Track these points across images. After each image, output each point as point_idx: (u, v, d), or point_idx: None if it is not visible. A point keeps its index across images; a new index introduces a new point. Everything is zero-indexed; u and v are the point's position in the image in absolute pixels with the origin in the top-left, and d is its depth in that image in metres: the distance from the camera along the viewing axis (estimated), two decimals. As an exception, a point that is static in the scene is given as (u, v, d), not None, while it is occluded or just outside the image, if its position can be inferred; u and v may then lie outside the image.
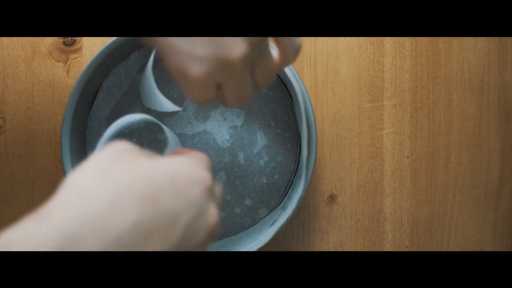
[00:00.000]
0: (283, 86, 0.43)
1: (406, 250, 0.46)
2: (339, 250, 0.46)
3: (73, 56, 0.44)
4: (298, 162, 0.43)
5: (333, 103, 0.45)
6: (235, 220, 0.43)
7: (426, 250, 0.46)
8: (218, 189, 0.30)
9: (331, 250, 0.46)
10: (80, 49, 0.44)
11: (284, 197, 0.43)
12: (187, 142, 0.43)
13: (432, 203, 0.46)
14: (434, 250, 0.46)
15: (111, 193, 0.23)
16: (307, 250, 0.46)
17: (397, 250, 0.46)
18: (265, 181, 0.43)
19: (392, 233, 0.46)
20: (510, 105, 0.46)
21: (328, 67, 0.45)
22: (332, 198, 0.46)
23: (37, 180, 0.44)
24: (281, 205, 0.42)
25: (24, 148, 0.44)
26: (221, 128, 0.43)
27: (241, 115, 0.43)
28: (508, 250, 0.46)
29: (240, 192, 0.43)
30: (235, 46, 0.28)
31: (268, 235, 0.38)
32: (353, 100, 0.45)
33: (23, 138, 0.44)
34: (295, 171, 0.43)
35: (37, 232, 0.22)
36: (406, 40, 0.45)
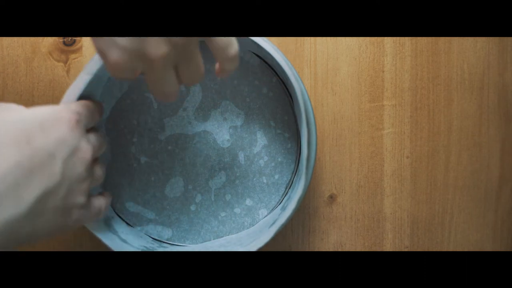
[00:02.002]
0: (283, 86, 0.43)
1: (406, 250, 0.46)
2: (339, 250, 0.46)
3: (73, 56, 0.44)
4: (298, 162, 0.43)
5: (333, 103, 0.45)
6: (235, 220, 0.43)
7: (426, 250, 0.46)
8: (93, 136, 0.33)
9: (331, 250, 0.46)
10: (80, 49, 0.44)
11: (284, 197, 0.43)
12: (188, 142, 0.43)
13: (432, 203, 0.46)
14: (434, 250, 0.46)
15: None
16: (307, 250, 0.46)
17: (397, 250, 0.46)
18: (265, 181, 0.43)
19: (392, 233, 0.46)
20: (510, 105, 0.46)
21: (328, 67, 0.45)
22: (332, 198, 0.46)
23: (37, 180, 0.44)
24: (281, 205, 0.42)
25: (24, 148, 0.44)
26: (221, 128, 0.43)
27: (241, 115, 0.43)
28: (508, 250, 0.46)
29: (240, 192, 0.43)
30: (155, 46, 0.29)
31: (268, 235, 0.38)
32: (353, 100, 0.45)
33: (23, 138, 0.44)
34: (295, 171, 0.43)
35: None
36: (406, 40, 0.45)
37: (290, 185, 0.43)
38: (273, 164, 0.43)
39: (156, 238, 0.43)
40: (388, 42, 0.45)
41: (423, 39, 0.45)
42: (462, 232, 0.46)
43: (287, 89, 0.42)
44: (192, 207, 0.43)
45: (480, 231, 0.46)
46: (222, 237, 0.43)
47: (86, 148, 0.31)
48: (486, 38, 0.45)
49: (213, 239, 0.44)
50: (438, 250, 0.46)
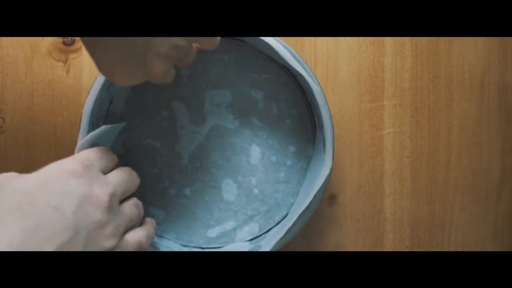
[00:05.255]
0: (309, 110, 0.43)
1: (406, 250, 0.46)
2: (339, 250, 0.46)
3: (72, 56, 0.44)
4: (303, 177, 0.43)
5: (333, 103, 0.45)
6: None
7: (426, 250, 0.46)
8: (115, 175, 0.32)
9: (331, 250, 0.46)
10: (80, 49, 0.44)
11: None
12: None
13: (432, 203, 0.46)
14: (434, 250, 0.46)
15: None
16: (307, 250, 0.46)
17: (397, 250, 0.46)
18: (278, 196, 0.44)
19: (392, 233, 0.46)
20: (510, 105, 0.46)
21: (328, 67, 0.45)
22: (332, 198, 0.46)
23: (37, 180, 0.44)
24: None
25: (24, 148, 0.44)
26: (251, 143, 0.43)
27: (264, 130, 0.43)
28: (509, 250, 0.46)
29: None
30: (156, 65, 0.31)
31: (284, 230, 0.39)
32: (353, 100, 0.45)
33: (23, 138, 0.44)
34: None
35: None
36: (407, 40, 0.45)
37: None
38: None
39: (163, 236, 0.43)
40: (388, 42, 0.45)
41: (424, 39, 0.45)
42: (462, 232, 0.46)
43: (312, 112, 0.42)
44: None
45: (480, 231, 0.46)
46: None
47: (100, 192, 0.29)
48: (486, 38, 0.45)
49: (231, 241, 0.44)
50: (439, 250, 0.46)
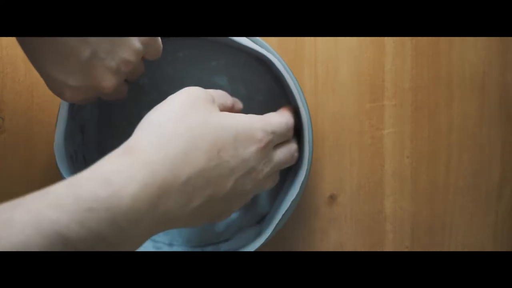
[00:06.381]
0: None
1: (406, 250, 0.46)
2: (339, 250, 0.46)
3: (73, 56, 0.44)
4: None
5: (333, 103, 0.45)
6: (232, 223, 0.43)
7: (426, 250, 0.46)
8: (279, 153, 0.34)
9: (331, 250, 0.46)
10: (80, 49, 0.44)
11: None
12: None
13: (432, 203, 0.46)
14: (435, 250, 0.46)
15: (186, 141, 0.28)
16: (307, 250, 0.46)
17: (397, 250, 0.46)
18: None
19: (393, 233, 0.46)
20: (511, 105, 0.46)
21: (328, 67, 0.45)
22: (332, 198, 0.45)
23: (37, 180, 0.44)
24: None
25: (24, 148, 0.44)
26: None
27: None
28: (509, 250, 0.46)
29: None
30: (106, 79, 0.32)
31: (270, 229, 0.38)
32: (353, 100, 0.45)
33: (23, 138, 0.44)
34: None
35: (126, 167, 0.26)
36: (407, 40, 0.45)
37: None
38: None
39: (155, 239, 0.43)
40: (388, 42, 0.45)
41: (424, 39, 0.45)
42: (462, 232, 0.46)
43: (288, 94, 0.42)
44: None
45: (480, 231, 0.46)
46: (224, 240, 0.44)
47: (262, 170, 0.32)
48: (487, 38, 0.45)
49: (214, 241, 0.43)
50: (439, 250, 0.46)
